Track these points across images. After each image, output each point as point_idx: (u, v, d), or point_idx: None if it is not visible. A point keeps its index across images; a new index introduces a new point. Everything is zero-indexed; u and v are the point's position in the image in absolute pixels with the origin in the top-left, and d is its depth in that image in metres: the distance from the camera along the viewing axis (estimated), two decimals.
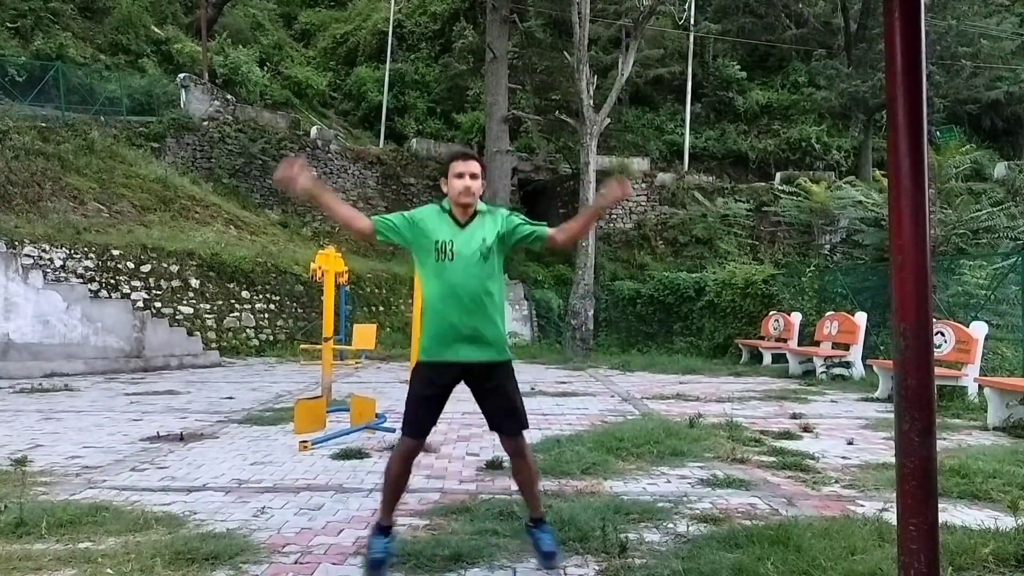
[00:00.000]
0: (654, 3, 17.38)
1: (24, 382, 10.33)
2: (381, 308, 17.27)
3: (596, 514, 4.01)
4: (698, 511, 4.28)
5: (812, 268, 15.06)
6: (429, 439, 6.22)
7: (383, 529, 3.41)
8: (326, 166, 21.84)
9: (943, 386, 8.55)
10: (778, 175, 24.07)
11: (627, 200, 23.72)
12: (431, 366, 3.34)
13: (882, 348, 11.46)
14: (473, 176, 3.33)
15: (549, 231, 3.44)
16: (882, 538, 3.58)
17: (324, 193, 3.42)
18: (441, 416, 3.54)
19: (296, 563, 3.48)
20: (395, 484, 3.43)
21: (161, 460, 5.66)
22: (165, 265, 14.54)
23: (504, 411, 3.37)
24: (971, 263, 11.15)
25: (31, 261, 12.53)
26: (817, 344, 12.50)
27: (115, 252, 13.99)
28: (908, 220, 2.02)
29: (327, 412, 6.98)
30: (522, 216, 3.51)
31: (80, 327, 11.91)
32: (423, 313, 3.41)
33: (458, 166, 3.34)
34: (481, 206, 3.42)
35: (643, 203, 23.93)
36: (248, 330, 15.50)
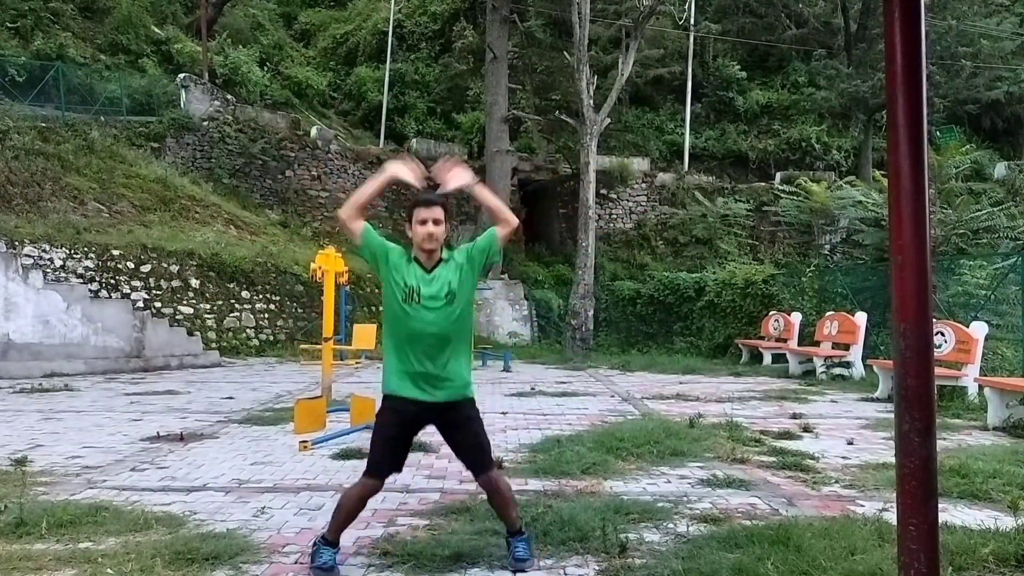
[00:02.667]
0: (654, 3, 17.38)
1: (24, 382, 10.33)
2: (381, 308, 17.21)
3: (596, 514, 4.02)
4: (698, 511, 4.28)
5: (812, 268, 15.06)
6: (429, 439, 6.24)
7: (330, 543, 3.41)
8: (326, 166, 21.83)
9: (943, 386, 8.55)
10: (778, 175, 24.07)
11: (627, 200, 23.76)
12: (395, 400, 3.42)
13: (882, 348, 11.46)
14: (436, 222, 3.39)
15: (495, 230, 3.53)
16: (882, 538, 3.58)
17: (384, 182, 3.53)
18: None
19: (296, 563, 3.48)
20: (349, 513, 3.47)
21: (161, 460, 5.66)
22: (165, 265, 14.54)
23: (472, 450, 3.47)
24: (971, 263, 11.15)
25: (31, 261, 12.53)
26: (817, 344, 12.50)
27: (115, 252, 13.99)
28: (908, 220, 2.02)
29: (327, 412, 6.98)
30: (475, 241, 3.58)
31: (80, 327, 11.91)
32: (387, 350, 3.46)
33: (421, 212, 3.40)
34: (445, 253, 3.49)
35: (643, 203, 23.93)
36: (248, 330, 15.50)
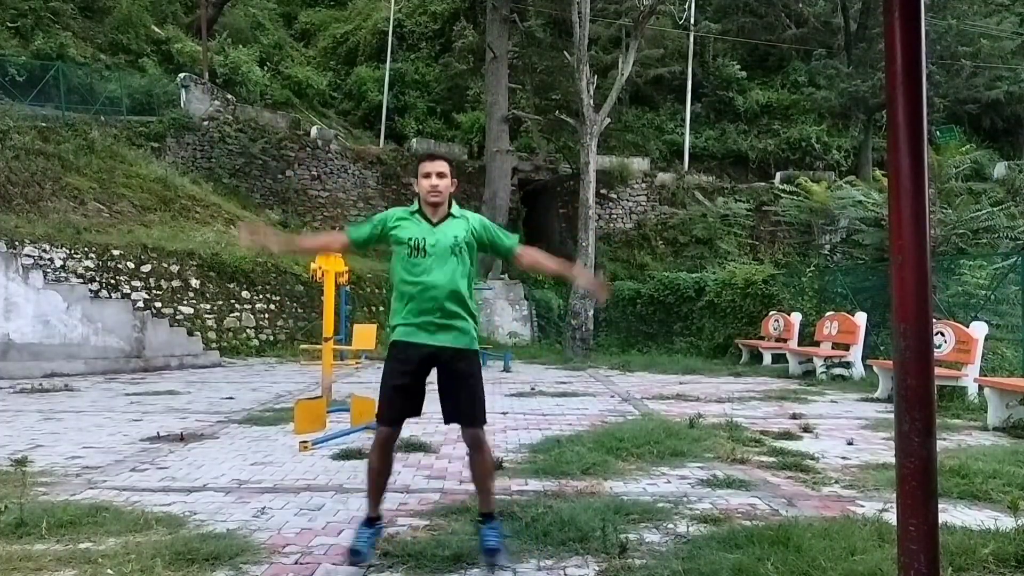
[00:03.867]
0: (654, 3, 17.38)
1: (24, 382, 10.33)
2: (381, 308, 17.26)
3: (596, 514, 4.01)
4: (698, 511, 4.28)
5: (812, 268, 15.06)
6: (429, 439, 6.22)
7: (370, 521, 3.52)
8: (326, 166, 21.83)
9: (943, 386, 8.55)
10: (778, 175, 24.06)
11: (627, 200, 23.78)
12: (401, 347, 3.46)
13: (882, 348, 11.46)
14: (440, 175, 3.48)
15: (518, 248, 3.67)
16: (882, 538, 3.58)
17: (292, 243, 3.88)
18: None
19: (296, 563, 3.48)
20: (378, 474, 3.52)
21: (161, 460, 5.66)
22: (165, 265, 14.54)
23: (467, 402, 3.46)
24: (971, 263, 11.15)
25: (31, 261, 12.53)
26: (817, 344, 12.50)
27: (115, 252, 13.99)
28: (908, 220, 2.02)
29: (327, 412, 6.98)
30: (496, 226, 3.72)
31: (80, 327, 11.91)
32: (395, 302, 3.52)
33: (425, 166, 3.51)
34: (455, 210, 3.57)
35: (643, 203, 23.93)
36: (248, 330, 15.50)
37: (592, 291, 3.67)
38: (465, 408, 3.48)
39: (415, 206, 3.57)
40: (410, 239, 3.44)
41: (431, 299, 3.38)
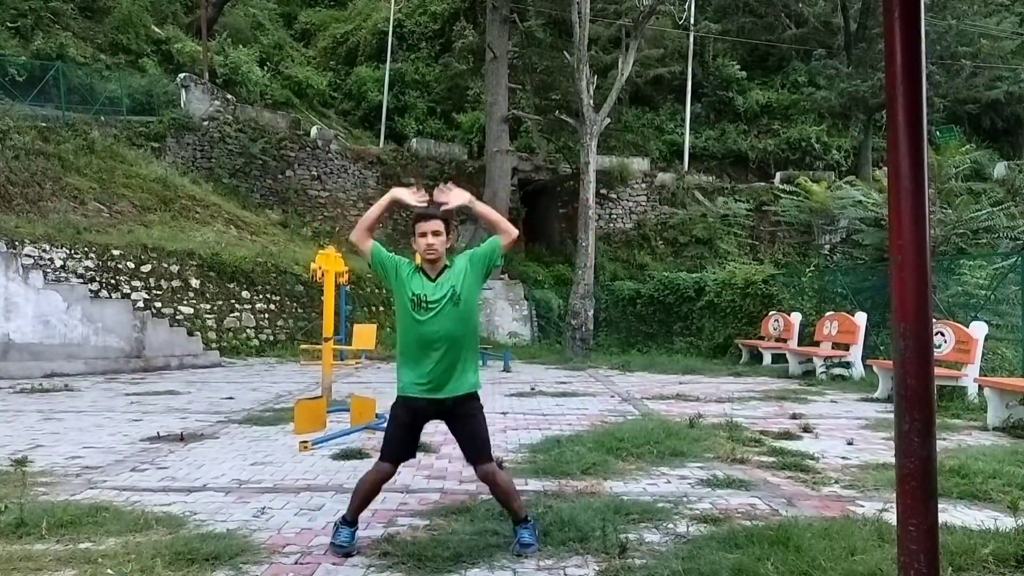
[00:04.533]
0: (654, 3, 17.38)
1: (24, 382, 10.33)
2: (381, 308, 17.27)
3: (596, 514, 4.02)
4: (698, 511, 4.28)
5: (812, 268, 15.05)
6: (429, 439, 6.23)
7: (348, 522, 3.67)
8: (326, 166, 21.84)
9: (943, 386, 8.55)
10: (778, 175, 24.07)
11: (627, 200, 23.78)
12: (407, 400, 3.71)
13: (882, 348, 11.46)
14: (435, 233, 3.65)
15: (498, 239, 3.77)
16: (882, 538, 3.58)
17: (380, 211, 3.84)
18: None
19: (296, 563, 3.49)
20: (365, 496, 3.74)
21: (161, 460, 5.67)
22: (165, 265, 14.54)
23: (475, 443, 3.73)
24: (971, 263, 11.14)
25: (31, 261, 12.53)
26: (817, 344, 12.50)
27: (115, 252, 13.99)
28: (908, 220, 2.02)
29: (327, 412, 6.98)
30: (478, 247, 3.82)
31: (80, 327, 11.91)
32: (400, 355, 3.76)
33: (421, 227, 3.67)
34: (448, 261, 3.76)
35: (643, 203, 23.93)
36: (248, 330, 15.50)
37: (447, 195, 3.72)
38: (472, 447, 3.74)
39: (416, 263, 3.77)
40: (413, 294, 3.64)
41: (431, 354, 3.60)
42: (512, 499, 3.71)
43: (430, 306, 3.61)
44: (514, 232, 3.80)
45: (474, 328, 3.77)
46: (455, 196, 3.73)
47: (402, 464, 3.79)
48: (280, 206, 20.81)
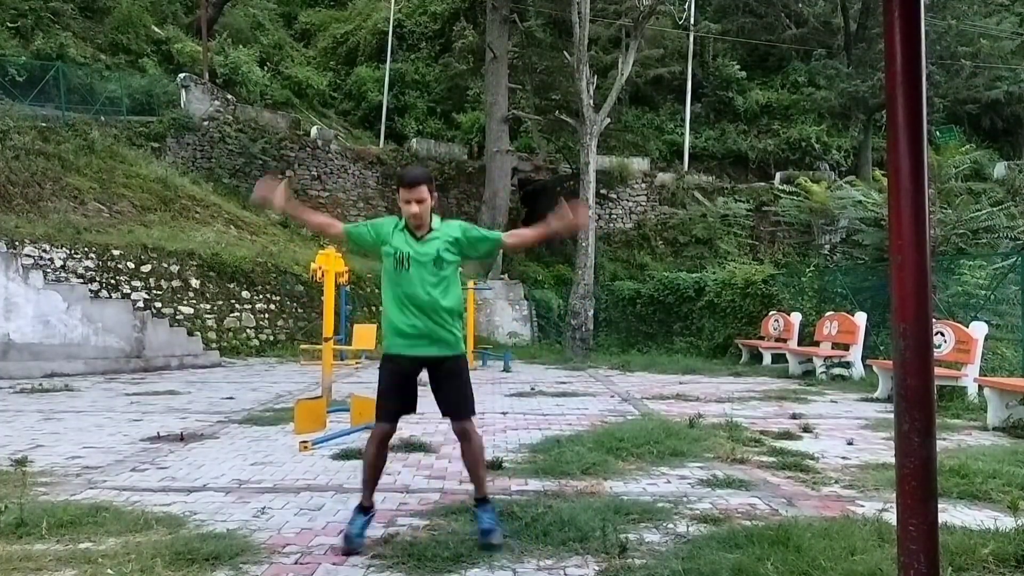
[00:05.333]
0: (654, 3, 17.38)
1: (24, 382, 10.34)
2: (381, 308, 17.25)
3: (596, 514, 4.02)
4: (698, 511, 4.28)
5: (812, 268, 15.05)
6: (430, 439, 6.22)
7: (364, 509, 3.75)
8: (326, 166, 21.84)
9: (943, 386, 8.55)
10: (778, 175, 24.07)
11: (627, 200, 23.78)
12: (392, 359, 3.78)
13: (882, 348, 11.46)
14: (419, 201, 3.70)
15: (503, 236, 3.92)
16: (882, 538, 3.58)
17: (297, 208, 3.93)
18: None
19: (296, 563, 3.48)
20: (372, 466, 3.78)
21: (161, 460, 5.66)
22: (165, 265, 14.54)
23: (455, 399, 3.78)
24: (971, 263, 11.14)
25: (31, 261, 12.53)
26: (817, 344, 12.50)
27: (115, 252, 13.99)
28: (908, 220, 2.02)
29: (327, 412, 6.98)
30: (477, 228, 3.95)
31: (80, 327, 11.91)
32: (384, 312, 3.83)
33: (404, 194, 3.73)
34: (437, 223, 3.81)
35: (643, 203, 23.93)
36: (248, 330, 15.50)
37: (577, 221, 3.78)
38: (451, 403, 3.78)
39: (403, 220, 3.79)
40: (396, 252, 3.70)
41: (414, 312, 3.66)
42: (480, 466, 3.79)
43: (412, 266, 3.66)
44: (529, 244, 4.01)
45: (456, 294, 3.80)
46: (582, 215, 3.90)
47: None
48: None
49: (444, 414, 3.85)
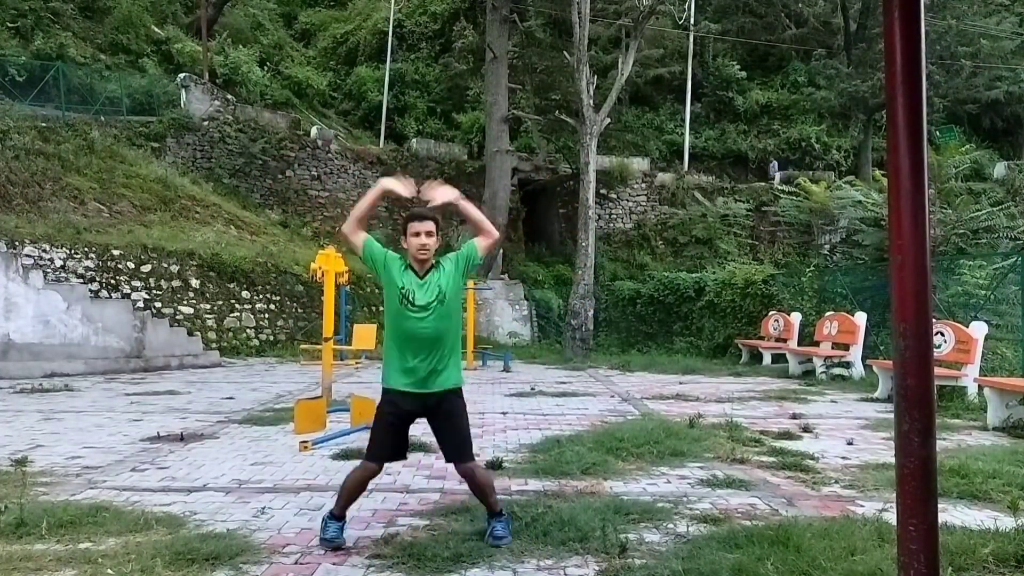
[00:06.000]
0: (654, 3, 17.37)
1: (24, 382, 10.34)
2: (381, 308, 17.23)
3: (596, 514, 4.02)
4: (698, 511, 4.28)
5: (812, 268, 15.05)
6: (430, 439, 6.23)
7: (336, 516, 3.77)
8: (326, 166, 21.82)
9: (943, 386, 8.55)
10: (777, 175, 24.06)
11: (627, 200, 23.77)
12: (393, 393, 3.81)
13: (882, 348, 11.46)
14: (428, 234, 3.79)
15: (476, 241, 3.91)
16: (882, 538, 3.58)
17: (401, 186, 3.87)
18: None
19: (296, 563, 3.49)
20: (350, 494, 3.84)
21: (161, 460, 5.67)
22: (165, 265, 14.54)
23: (456, 442, 3.83)
24: (971, 263, 11.15)
25: (31, 261, 12.53)
26: (817, 344, 12.50)
27: (115, 252, 13.99)
28: (908, 220, 2.02)
29: (327, 412, 6.98)
30: (463, 248, 3.96)
31: (80, 327, 11.91)
32: (387, 347, 3.87)
33: (414, 227, 3.80)
34: (435, 260, 3.88)
35: (643, 203, 23.92)
36: (248, 330, 15.50)
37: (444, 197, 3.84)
38: (454, 447, 3.85)
39: (406, 259, 3.86)
40: (402, 288, 3.77)
41: (418, 349, 3.73)
42: (488, 494, 3.82)
43: (419, 304, 3.73)
44: (495, 234, 3.94)
45: (457, 325, 3.91)
46: (441, 192, 3.85)
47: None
48: (280, 206, 20.80)
49: (447, 459, 3.91)
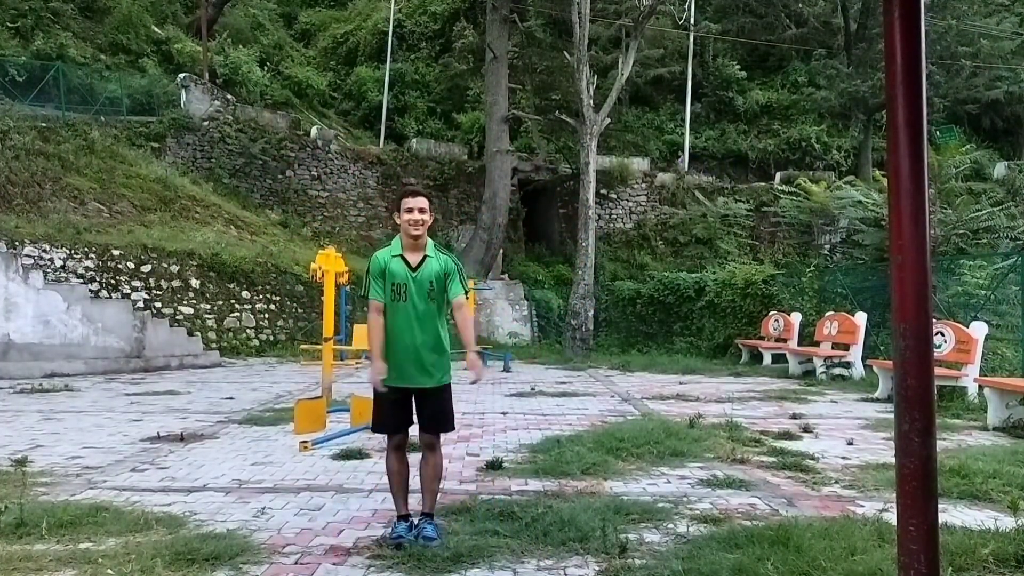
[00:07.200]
0: (654, 3, 17.38)
1: (24, 382, 10.33)
2: None
3: (596, 514, 4.02)
4: (698, 511, 4.28)
5: (812, 268, 15.05)
6: None
7: (403, 518, 3.84)
8: (326, 166, 21.82)
9: (943, 386, 8.55)
10: (778, 175, 24.06)
11: (627, 200, 23.79)
12: (388, 387, 3.87)
13: (882, 348, 11.46)
14: (421, 210, 3.87)
15: (458, 299, 3.94)
16: (882, 538, 3.58)
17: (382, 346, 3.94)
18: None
19: (296, 563, 3.49)
20: (397, 476, 3.90)
21: (161, 460, 5.67)
22: (165, 265, 14.54)
23: (430, 414, 3.91)
24: (971, 263, 11.15)
25: (31, 261, 12.53)
26: (817, 344, 12.50)
27: (115, 252, 13.99)
28: (908, 220, 2.02)
29: (327, 412, 6.98)
30: (460, 273, 4.00)
31: (80, 327, 11.91)
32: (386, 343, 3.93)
33: (408, 202, 3.88)
34: (429, 248, 3.93)
35: (643, 203, 23.92)
36: (248, 330, 15.50)
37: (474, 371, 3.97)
38: (427, 417, 3.91)
39: (396, 248, 3.92)
40: (395, 283, 3.85)
41: (410, 346, 3.81)
42: (435, 483, 3.88)
43: (409, 296, 3.81)
44: (468, 316, 4.05)
45: (443, 320, 3.96)
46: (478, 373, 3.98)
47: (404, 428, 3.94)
48: (280, 206, 20.80)
49: (420, 429, 3.95)
